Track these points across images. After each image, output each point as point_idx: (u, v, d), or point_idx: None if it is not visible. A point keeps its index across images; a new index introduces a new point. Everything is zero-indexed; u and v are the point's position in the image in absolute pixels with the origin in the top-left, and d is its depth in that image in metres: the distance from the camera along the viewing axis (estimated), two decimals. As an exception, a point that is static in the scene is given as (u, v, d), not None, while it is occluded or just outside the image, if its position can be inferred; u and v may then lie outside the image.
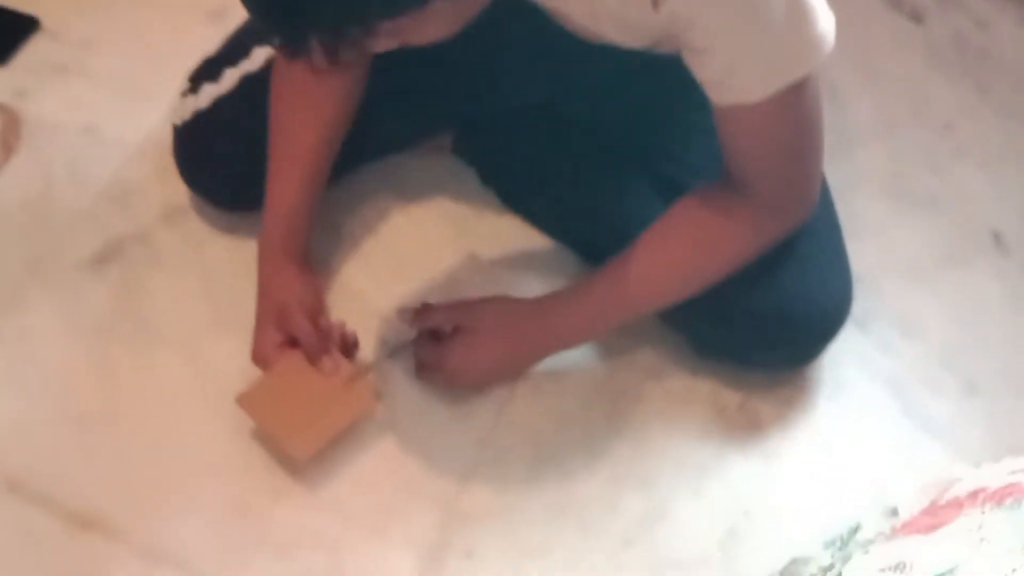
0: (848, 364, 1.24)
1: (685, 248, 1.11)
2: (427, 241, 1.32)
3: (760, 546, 1.13)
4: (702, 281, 1.11)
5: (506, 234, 1.33)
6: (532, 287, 1.20)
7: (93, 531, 1.11)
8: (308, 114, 1.17)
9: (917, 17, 1.59)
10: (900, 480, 1.16)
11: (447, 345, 1.14)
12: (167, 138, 1.30)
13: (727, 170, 1.07)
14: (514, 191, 1.34)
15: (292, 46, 0.81)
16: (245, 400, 1.13)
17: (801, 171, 1.07)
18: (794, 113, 1.01)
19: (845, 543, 0.89)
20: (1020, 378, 1.25)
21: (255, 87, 1.21)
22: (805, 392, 1.23)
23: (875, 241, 1.30)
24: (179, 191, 1.32)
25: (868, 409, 1.22)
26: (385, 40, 0.83)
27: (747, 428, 1.20)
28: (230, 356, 1.20)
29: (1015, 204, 1.40)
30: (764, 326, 1.15)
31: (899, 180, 1.42)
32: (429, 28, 0.85)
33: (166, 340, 1.23)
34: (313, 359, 1.13)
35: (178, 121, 1.27)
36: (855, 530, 0.89)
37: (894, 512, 0.87)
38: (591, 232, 1.26)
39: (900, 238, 1.36)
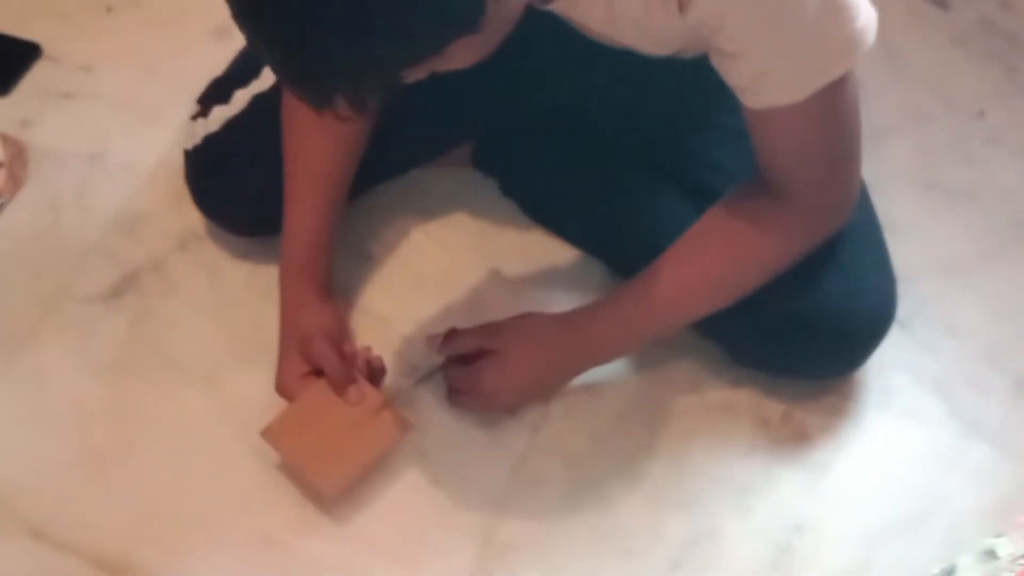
0: (893, 367, 1.19)
1: (719, 257, 1.06)
2: (449, 259, 1.28)
3: (814, 564, 1.08)
4: (738, 291, 1.07)
5: (530, 247, 1.29)
6: (560, 301, 1.15)
7: (122, 575, 1.07)
8: (324, 134, 1.12)
9: (942, 3, 1.54)
10: (958, 490, 1.12)
11: (478, 368, 1.10)
12: (178, 163, 1.26)
13: (761, 174, 1.02)
14: (537, 202, 1.30)
15: (317, 104, 0.78)
16: (270, 433, 1.09)
17: (840, 172, 1.03)
18: (832, 113, 0.97)
19: (941, 586, 0.84)
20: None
21: (267, 107, 1.17)
22: (850, 399, 1.18)
23: (910, 237, 1.25)
24: (193, 218, 1.29)
25: (916, 414, 1.18)
26: (412, 76, 0.79)
27: (792, 440, 1.16)
28: (253, 388, 1.16)
29: (1053, 193, 1.36)
30: (807, 335, 1.10)
31: (931, 172, 1.37)
32: (455, 61, 0.81)
33: (186, 373, 1.19)
34: (339, 389, 1.09)
35: (189, 146, 1.23)
36: (950, 573, 0.84)
37: (992, 554, 0.82)
38: (619, 243, 1.22)
39: (936, 233, 1.32)
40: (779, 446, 1.16)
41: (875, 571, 1.08)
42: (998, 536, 0.83)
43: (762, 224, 1.04)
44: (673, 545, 1.09)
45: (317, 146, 1.13)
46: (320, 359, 1.09)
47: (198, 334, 1.22)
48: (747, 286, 1.06)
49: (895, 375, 1.20)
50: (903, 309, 1.15)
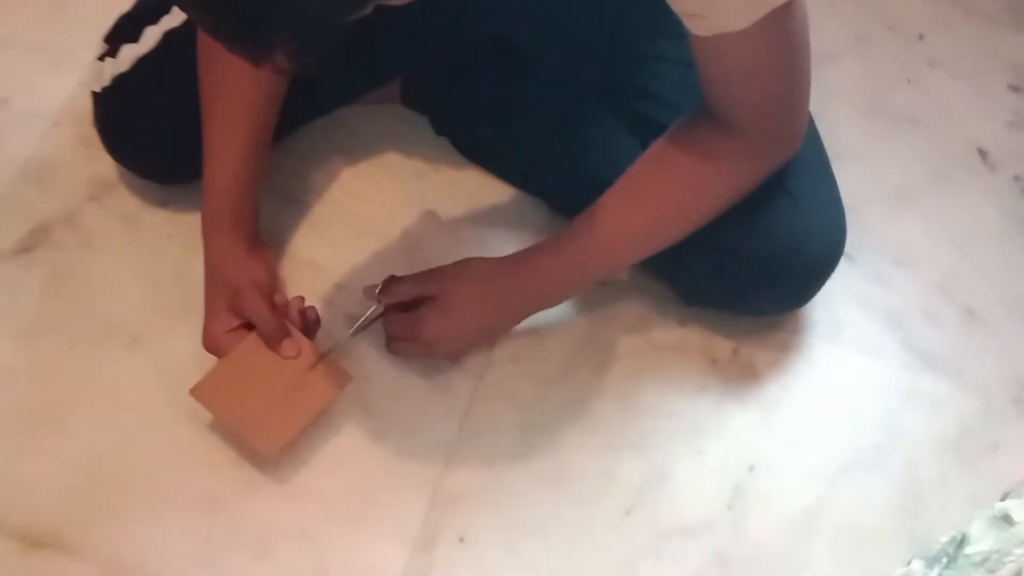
0: (841, 300, 1.17)
1: (667, 191, 1.02)
2: (382, 202, 1.22)
3: (769, 502, 1.06)
4: (687, 226, 1.03)
5: (468, 187, 1.23)
6: (501, 244, 1.11)
7: (48, 548, 1.01)
8: (244, 71, 1.04)
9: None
10: (914, 422, 1.11)
11: (420, 315, 1.05)
12: (86, 107, 1.18)
13: (707, 103, 0.98)
14: (472, 140, 1.24)
15: (255, 60, 0.71)
16: (200, 392, 1.03)
17: (790, 99, 0.99)
18: (781, 38, 0.92)
19: (953, 559, 0.82)
20: (1020, 302, 1.19)
21: (181, 44, 1.09)
22: (799, 334, 1.16)
23: (856, 165, 1.22)
24: (105, 165, 1.21)
25: (867, 347, 1.16)
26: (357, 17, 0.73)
27: (743, 378, 1.13)
28: (182, 345, 1.10)
29: (997, 115, 1.33)
30: (756, 269, 1.07)
31: (874, 98, 1.35)
32: None
33: (109, 332, 1.13)
34: (272, 343, 1.04)
35: (97, 88, 1.15)
36: (961, 543, 0.81)
37: (1007, 519, 0.78)
38: (561, 180, 1.17)
39: (882, 161, 1.29)
40: (729, 384, 1.13)
41: (833, 509, 1.06)
42: (1006, 498, 0.80)
43: (710, 155, 1.00)
44: (626, 488, 1.06)
45: (237, 85, 1.06)
46: (250, 312, 1.04)
47: (119, 290, 1.15)
48: (696, 221, 1.02)
49: (844, 308, 1.17)
50: (849, 240, 1.12)
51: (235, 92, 1.06)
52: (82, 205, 1.21)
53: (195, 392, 1.03)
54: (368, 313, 1.09)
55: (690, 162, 1.00)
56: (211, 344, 1.06)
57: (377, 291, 1.07)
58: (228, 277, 1.06)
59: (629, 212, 1.02)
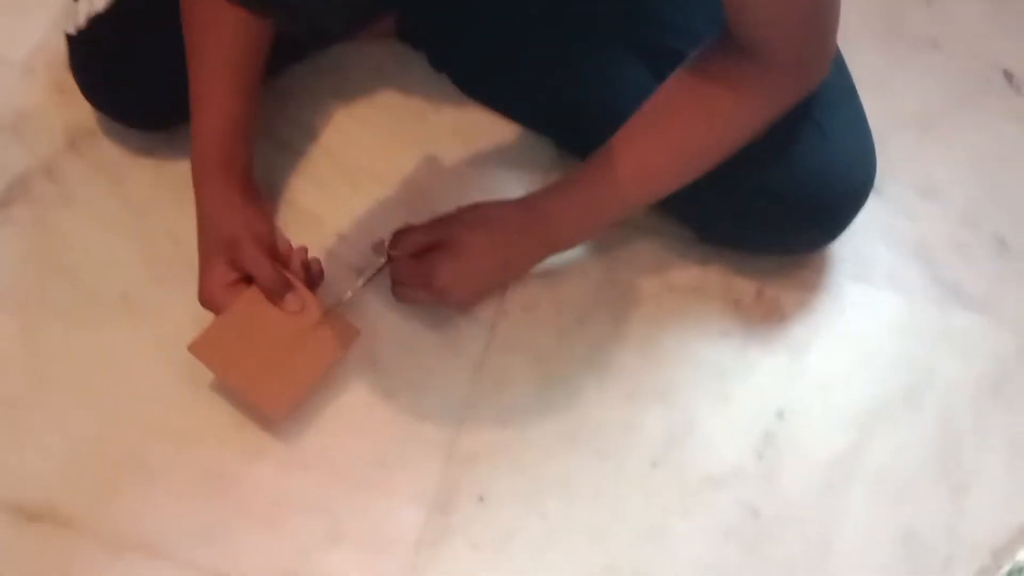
0: (867, 236, 1.11)
1: (688, 124, 0.96)
2: (381, 145, 1.15)
3: (800, 449, 1.01)
4: (709, 161, 0.97)
5: (471, 128, 1.16)
6: (509, 186, 1.05)
7: (44, 522, 0.95)
8: (232, 6, 0.98)
9: None
10: (947, 361, 1.06)
11: (430, 261, 0.98)
12: (60, 50, 1.10)
13: (730, 27, 0.92)
14: (473, 77, 1.17)
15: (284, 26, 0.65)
16: (200, 348, 0.96)
17: (818, 21, 0.92)
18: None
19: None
20: (1052, 230, 1.15)
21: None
22: (825, 272, 1.10)
23: (877, 94, 1.15)
24: (83, 113, 1.14)
25: (896, 283, 1.10)
26: None
27: (768, 320, 1.08)
28: (175, 306, 1.04)
29: (1023, 34, 1.27)
30: (784, 206, 1.01)
31: (892, 20, 1.28)
32: None
33: (96, 294, 1.06)
34: (274, 297, 0.97)
35: (71, 30, 1.08)
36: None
37: None
38: (571, 118, 1.10)
39: (903, 88, 1.23)
40: (754, 327, 1.07)
41: (867, 456, 1.01)
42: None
43: (734, 84, 0.93)
44: (650, 440, 1.01)
45: (226, 20, 0.98)
46: (251, 264, 0.97)
47: (104, 247, 1.09)
48: (719, 155, 0.96)
49: (870, 243, 1.12)
50: (874, 171, 1.06)
51: (224, 28, 0.99)
52: (61, 156, 1.14)
53: (193, 348, 0.96)
54: (378, 266, 1.02)
55: (712, 91, 0.94)
56: (207, 299, 0.99)
57: (387, 245, 1.00)
58: (223, 227, 0.99)
59: (649, 145, 0.96)
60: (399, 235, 1.00)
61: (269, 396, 0.96)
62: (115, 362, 1.03)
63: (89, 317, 1.05)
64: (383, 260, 1.01)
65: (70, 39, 1.08)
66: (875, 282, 1.10)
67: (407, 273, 1.01)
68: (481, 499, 0.98)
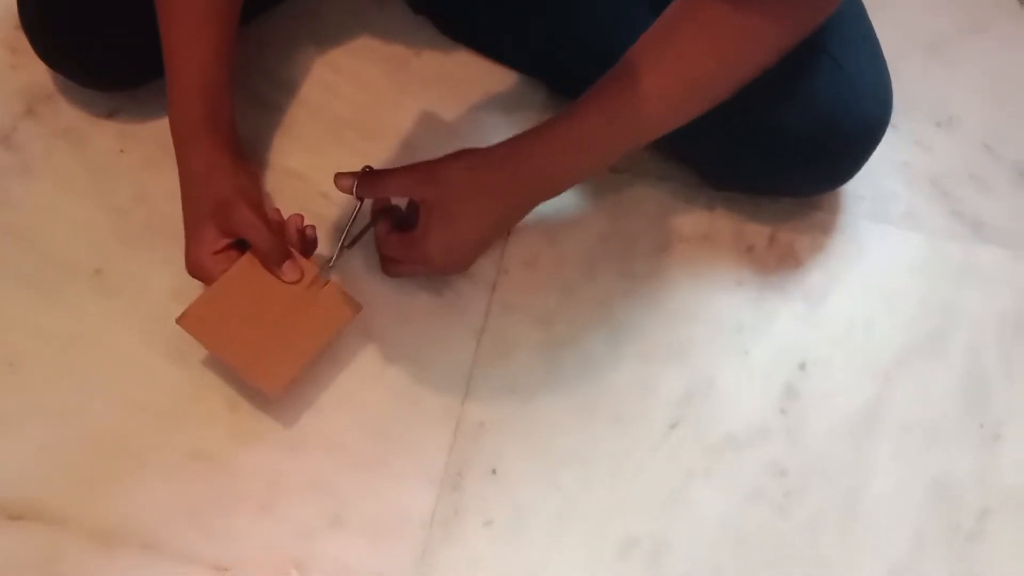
0: (882, 172, 1.06)
1: (695, 51, 0.87)
2: (363, 96, 1.08)
3: (825, 402, 0.97)
4: (717, 90, 0.89)
5: (455, 72, 1.09)
6: (498, 133, 0.96)
7: (27, 520, 0.89)
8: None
9: None
10: (972, 299, 1.01)
11: (421, 233, 0.91)
12: (9, 6, 1.02)
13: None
14: (456, 18, 1.10)
15: None
16: (190, 320, 0.89)
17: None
18: None
19: None
20: (1072, 157, 1.09)
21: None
22: (841, 213, 1.05)
23: (883, 18, 1.08)
24: (39, 73, 1.06)
25: (914, 221, 1.05)
26: None
27: (783, 267, 1.02)
28: (152, 275, 0.97)
29: (1033, -48, 1.21)
30: (797, 144, 0.95)
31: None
32: None
33: (67, 268, 0.99)
34: (271, 264, 0.90)
35: (21, -16, 0.99)
36: None
37: None
38: (563, 55, 1.03)
39: (911, 12, 1.17)
40: (769, 275, 1.02)
41: (894, 404, 0.97)
42: None
43: (744, 6, 0.86)
44: (667, 401, 0.96)
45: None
46: (244, 227, 0.90)
47: (71, 218, 1.01)
48: (729, 84, 0.88)
49: (886, 179, 1.06)
50: (886, 102, 1.00)
51: None
52: (16, 122, 1.06)
53: (183, 321, 0.90)
54: (352, 216, 0.94)
55: (720, 14, 0.86)
56: (196, 268, 0.92)
57: (355, 187, 0.92)
58: (212, 190, 0.91)
59: (653, 74, 0.88)
60: (367, 178, 0.91)
61: (265, 372, 0.90)
62: (92, 341, 0.96)
63: (60, 293, 0.98)
64: (355, 215, 0.93)
65: (20, -6, 1.00)
66: (892, 221, 1.05)
67: (397, 249, 0.95)
68: (493, 472, 0.93)
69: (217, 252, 0.91)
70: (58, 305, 0.97)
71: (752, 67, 0.89)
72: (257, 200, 0.93)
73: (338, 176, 0.93)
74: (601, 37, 0.99)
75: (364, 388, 0.95)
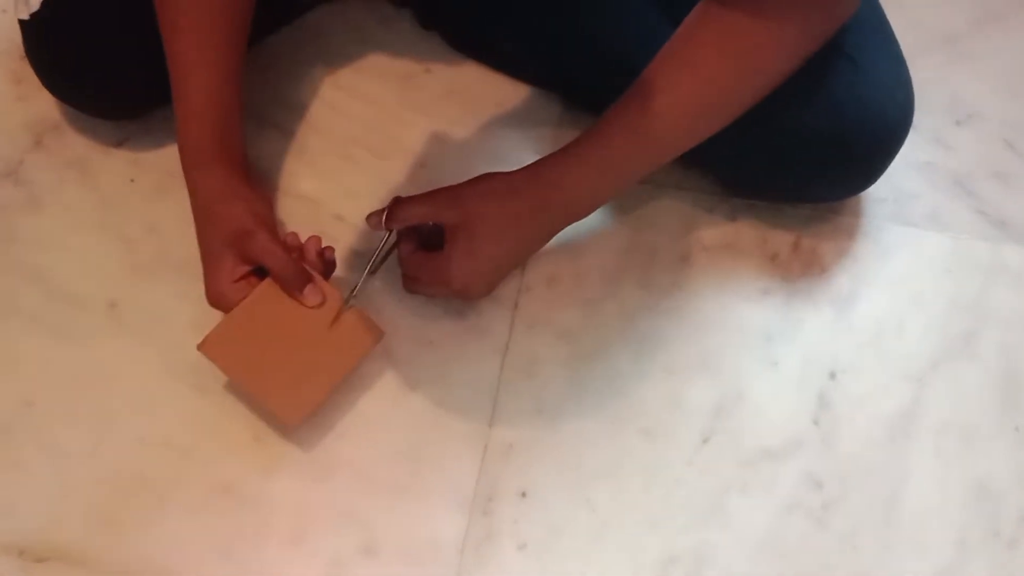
0: (904, 173, 1.04)
1: (716, 62, 0.86)
2: (372, 115, 1.06)
3: (858, 409, 0.95)
4: (742, 101, 0.88)
5: (466, 87, 1.08)
6: (515, 149, 0.96)
7: (51, 562, 0.87)
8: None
9: None
10: (1002, 298, 1.00)
11: (445, 257, 0.90)
12: (14, 39, 1.01)
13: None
14: (466, 32, 1.08)
15: None
16: (210, 346, 0.88)
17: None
18: None
19: None
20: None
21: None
22: (864, 216, 1.03)
23: (896, 15, 1.07)
24: (45, 104, 1.05)
25: (939, 221, 1.04)
26: None
27: (809, 273, 1.01)
28: (169, 305, 0.96)
29: (1044, -57, 1.19)
30: (818, 148, 0.93)
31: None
32: None
33: (79, 303, 0.97)
34: (293, 290, 0.89)
35: (24, 15, 0.97)
36: None
37: None
38: (578, 69, 1.02)
39: (923, 7, 1.15)
40: (795, 282, 1.00)
41: (928, 408, 0.95)
42: None
43: (764, 15, 0.84)
44: (698, 415, 0.94)
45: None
46: (264, 254, 0.88)
47: (82, 251, 0.99)
48: (752, 95, 0.88)
49: (908, 180, 1.05)
50: (906, 103, 0.98)
51: None
52: (23, 155, 1.04)
53: (204, 347, 0.88)
54: (380, 245, 0.94)
55: (740, 23, 0.85)
56: (217, 298, 0.90)
57: (384, 218, 0.91)
58: (228, 217, 0.90)
59: (675, 90, 0.87)
60: (395, 207, 0.91)
61: (286, 400, 0.88)
62: (109, 376, 0.94)
63: (75, 328, 0.96)
64: (384, 243, 0.92)
65: (23, 24, 0.98)
66: (917, 222, 1.03)
67: (422, 270, 0.93)
68: (523, 495, 0.91)
69: (237, 280, 0.89)
70: (73, 341, 0.95)
71: (774, 75, 0.88)
72: (273, 225, 0.91)
73: (370, 217, 0.92)
74: (614, 44, 0.98)
75: (389, 413, 0.93)
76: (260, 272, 0.89)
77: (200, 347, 0.88)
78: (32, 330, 0.96)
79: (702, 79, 0.87)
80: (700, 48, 0.87)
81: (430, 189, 0.92)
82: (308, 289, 0.89)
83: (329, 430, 0.92)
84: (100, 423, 0.92)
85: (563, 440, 0.93)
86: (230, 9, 0.91)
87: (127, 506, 0.89)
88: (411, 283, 0.95)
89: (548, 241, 0.96)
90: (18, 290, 0.97)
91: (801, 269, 1.01)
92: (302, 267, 0.89)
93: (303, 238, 0.93)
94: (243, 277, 0.89)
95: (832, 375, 0.96)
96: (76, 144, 1.05)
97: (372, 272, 0.93)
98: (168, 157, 1.01)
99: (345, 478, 0.91)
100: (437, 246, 0.92)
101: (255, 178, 0.95)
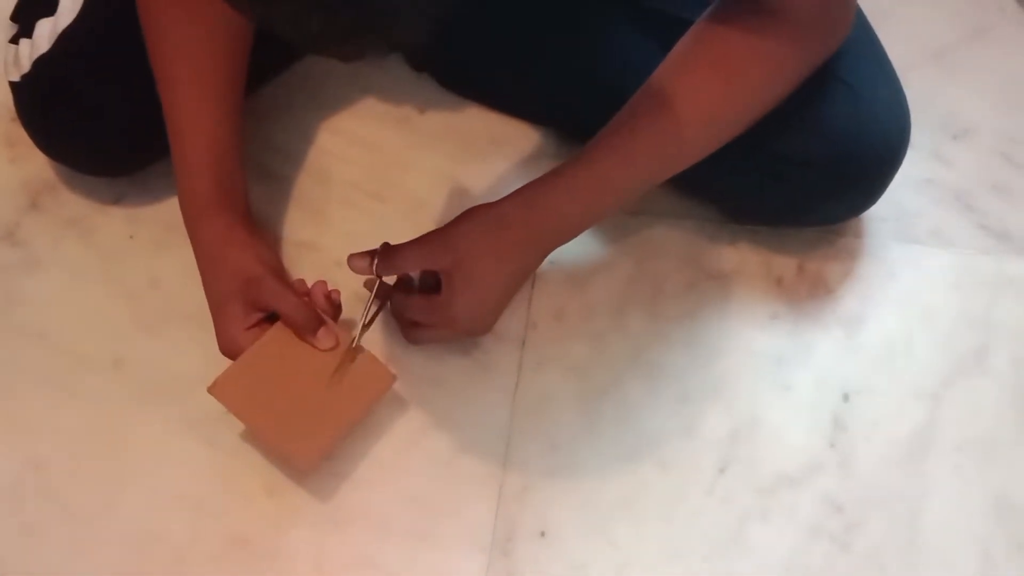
0: (904, 191, 1.03)
1: (710, 82, 0.86)
2: (369, 159, 1.06)
3: (874, 431, 0.94)
4: (736, 123, 0.87)
5: (461, 126, 1.08)
6: (513, 186, 0.94)
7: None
8: (201, 19, 0.89)
9: None
10: (1010, 312, 0.99)
11: (444, 299, 0.89)
12: (5, 101, 1.00)
13: (747, -12, 0.83)
14: (458, 71, 1.08)
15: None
16: (221, 389, 0.86)
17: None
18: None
19: None
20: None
21: (107, 4, 0.93)
22: (866, 237, 1.03)
23: (884, 33, 1.08)
24: (40, 165, 1.05)
25: (941, 237, 1.03)
26: None
27: (815, 296, 1.00)
28: (174, 359, 0.95)
29: (1028, -44, 1.20)
30: (817, 173, 0.93)
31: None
32: None
33: (84, 362, 0.96)
34: (306, 333, 0.88)
35: (15, 76, 0.97)
36: None
37: None
38: (571, 101, 1.01)
39: (910, 24, 1.15)
40: (802, 305, 1.00)
41: (944, 426, 0.94)
42: None
43: (760, 34, 0.84)
44: (714, 444, 0.93)
45: (197, 37, 0.89)
46: (276, 301, 0.87)
47: (85, 309, 0.99)
48: (744, 118, 0.87)
49: (908, 198, 1.04)
50: (900, 120, 0.98)
51: (197, 46, 0.90)
52: (20, 217, 1.03)
53: (214, 389, 0.87)
54: (372, 295, 0.93)
55: (736, 43, 0.84)
56: (231, 346, 0.89)
57: (375, 265, 0.90)
58: (235, 266, 0.89)
59: (672, 107, 0.86)
60: (386, 255, 0.90)
61: (298, 444, 0.87)
62: (118, 434, 0.93)
63: (81, 387, 0.95)
64: (375, 292, 0.92)
65: (14, 86, 0.98)
66: (919, 239, 1.03)
67: (422, 314, 0.92)
68: (542, 535, 0.90)
69: (250, 328, 0.88)
70: (79, 400, 0.94)
71: (769, 96, 0.87)
72: (280, 270, 0.91)
73: (351, 258, 0.91)
74: (609, 76, 0.98)
75: (402, 457, 0.92)
76: (271, 319, 0.89)
77: (210, 389, 0.87)
78: (38, 391, 0.95)
79: (697, 98, 0.86)
80: (695, 67, 0.87)
81: (431, 229, 0.91)
82: (321, 332, 0.88)
83: (343, 476, 0.91)
84: (111, 482, 0.91)
85: (579, 476, 0.92)
86: (226, 57, 0.91)
87: (143, 565, 0.88)
88: (414, 332, 0.94)
89: (543, 261, 0.94)
90: (22, 351, 0.96)
91: (807, 292, 1.00)
92: (314, 310, 0.88)
93: (327, 284, 0.92)
94: (255, 324, 0.88)
95: (846, 397, 0.95)
96: (72, 203, 1.04)
97: (367, 324, 0.92)
98: (166, 211, 1.01)
99: (361, 524, 0.90)
100: (430, 286, 0.91)
101: (258, 226, 0.94)
